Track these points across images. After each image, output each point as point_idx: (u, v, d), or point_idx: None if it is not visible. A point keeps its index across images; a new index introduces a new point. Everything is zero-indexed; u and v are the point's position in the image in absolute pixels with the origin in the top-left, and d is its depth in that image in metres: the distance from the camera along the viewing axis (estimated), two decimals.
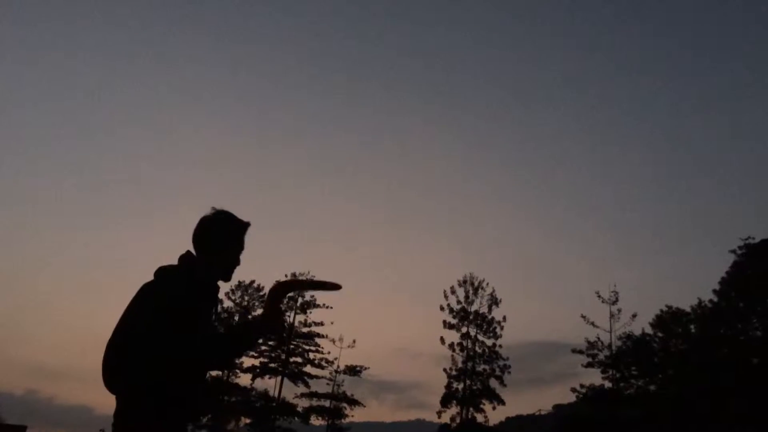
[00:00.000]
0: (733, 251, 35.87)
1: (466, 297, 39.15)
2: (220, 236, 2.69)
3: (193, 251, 2.68)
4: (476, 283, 39.52)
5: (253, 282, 40.22)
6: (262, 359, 38.27)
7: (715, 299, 35.62)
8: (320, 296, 39.24)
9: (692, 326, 36.16)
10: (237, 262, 2.78)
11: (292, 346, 38.71)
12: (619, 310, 35.62)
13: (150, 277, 2.57)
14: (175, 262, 2.64)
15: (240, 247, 2.77)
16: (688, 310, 36.47)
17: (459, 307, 38.87)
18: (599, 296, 35.73)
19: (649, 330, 36.60)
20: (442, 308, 38.89)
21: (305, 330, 38.96)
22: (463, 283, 39.60)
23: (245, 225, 2.78)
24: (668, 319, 36.27)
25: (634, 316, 35.52)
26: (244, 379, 38.65)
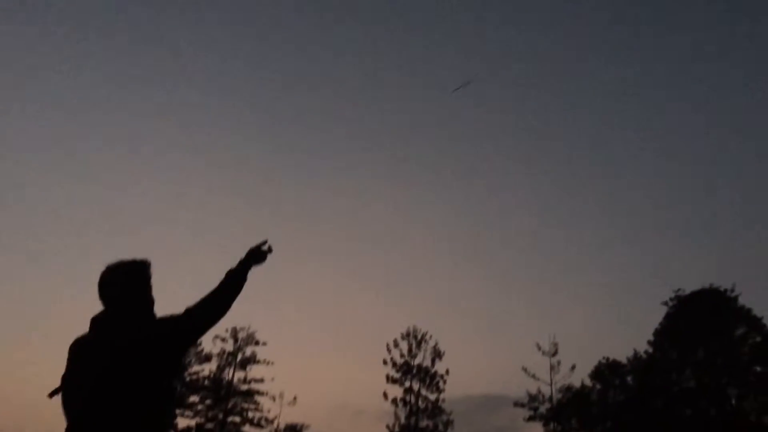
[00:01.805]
0: (665, 303, 37.14)
1: (409, 350, 38.97)
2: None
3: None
4: (419, 336, 39.45)
5: None
6: (198, 419, 36.85)
7: (650, 350, 36.57)
8: (261, 352, 38.44)
9: (629, 377, 36.89)
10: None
11: (230, 405, 37.49)
12: (559, 362, 36.26)
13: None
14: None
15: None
16: (625, 361, 37.25)
17: (402, 360, 38.63)
18: (539, 348, 36.36)
19: (588, 382, 37.17)
20: (385, 362, 38.57)
21: (244, 387, 37.89)
22: (406, 335, 39.47)
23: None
24: (606, 371, 36.94)
25: (574, 368, 36.22)
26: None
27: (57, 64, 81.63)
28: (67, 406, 2.56)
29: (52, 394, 2.59)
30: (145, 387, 2.54)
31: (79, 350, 2.64)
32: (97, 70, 79.82)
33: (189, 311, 2.82)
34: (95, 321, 2.70)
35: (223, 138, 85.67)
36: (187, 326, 2.81)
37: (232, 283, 2.99)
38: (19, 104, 79.88)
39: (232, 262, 3.09)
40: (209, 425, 37.09)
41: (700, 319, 35.11)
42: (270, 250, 3.17)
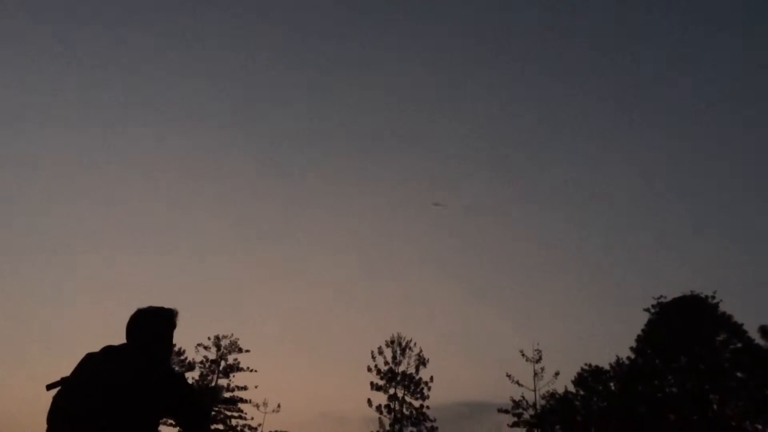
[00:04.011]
0: (647, 309, 37.35)
1: (394, 358, 38.95)
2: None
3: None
4: (404, 344, 39.44)
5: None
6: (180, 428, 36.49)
7: (633, 357, 36.72)
8: (244, 359, 38.27)
9: (612, 384, 37.01)
10: None
11: (213, 413, 37.21)
12: (543, 369, 36.38)
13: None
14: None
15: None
16: (608, 367, 37.39)
17: (387, 368, 38.57)
18: (523, 355, 36.47)
19: (571, 388, 37.25)
20: (369, 369, 38.54)
21: (228, 395, 37.64)
22: (390, 343, 39.46)
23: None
24: (589, 377, 37.05)
25: (557, 374, 36.37)
26: None
27: None
28: (55, 407, 2.71)
29: (50, 387, 2.75)
30: (133, 423, 2.67)
31: (91, 367, 2.80)
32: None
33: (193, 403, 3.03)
34: (113, 349, 2.90)
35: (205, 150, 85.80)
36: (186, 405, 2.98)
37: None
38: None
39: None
40: None
41: (682, 325, 35.33)
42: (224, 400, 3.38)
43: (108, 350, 2.89)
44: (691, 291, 36.89)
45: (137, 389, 2.71)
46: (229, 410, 37.60)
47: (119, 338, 3.02)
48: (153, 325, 3.03)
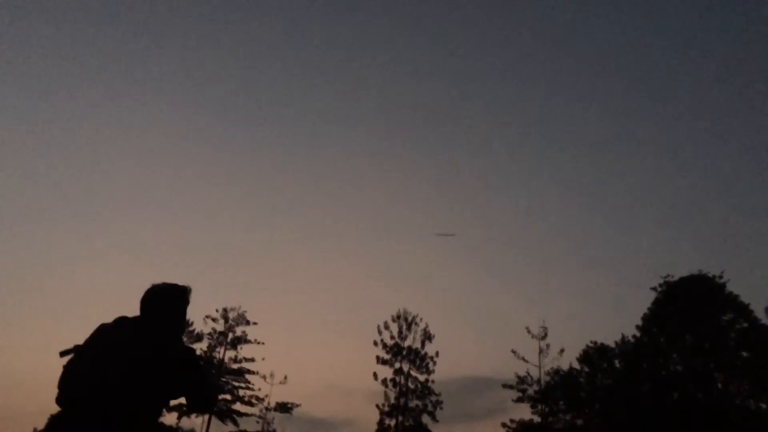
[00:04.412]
0: (654, 288, 37.36)
1: (400, 332, 39.21)
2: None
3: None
4: (410, 319, 39.68)
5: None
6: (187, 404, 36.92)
7: (638, 335, 36.82)
8: (251, 332, 38.63)
9: (617, 361, 37.18)
10: None
11: (221, 382, 37.66)
12: (548, 346, 36.63)
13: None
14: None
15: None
16: (613, 345, 37.53)
17: (392, 342, 38.86)
18: (529, 331, 36.68)
19: (576, 365, 37.47)
20: (375, 343, 38.82)
21: (235, 366, 38.07)
22: (396, 318, 39.70)
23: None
24: (594, 355, 37.22)
25: (562, 351, 36.63)
26: (170, 418, 37.26)
27: None
28: (70, 374, 2.77)
29: (63, 354, 2.81)
30: (150, 397, 2.78)
31: (107, 338, 2.85)
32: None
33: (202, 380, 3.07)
34: (129, 322, 2.95)
35: (218, 126, 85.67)
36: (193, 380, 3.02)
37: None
38: None
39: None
40: None
41: (688, 304, 35.35)
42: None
43: (123, 322, 2.94)
44: (699, 271, 36.88)
45: (157, 365, 2.79)
46: (237, 381, 38.08)
47: (126, 307, 3.08)
48: (168, 302, 3.08)
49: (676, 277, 37.12)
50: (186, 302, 3.17)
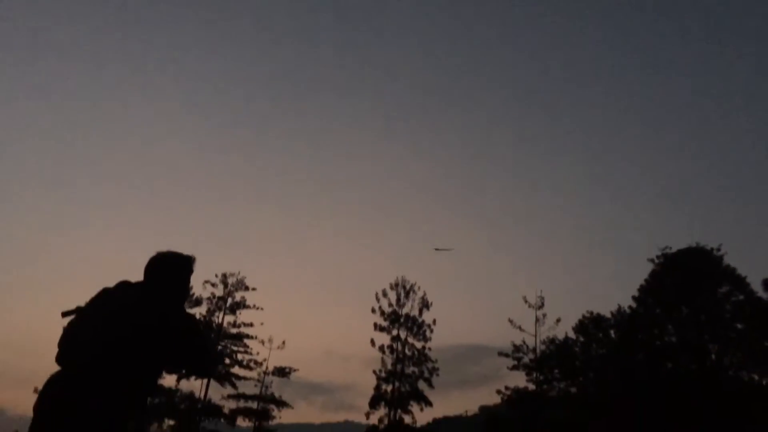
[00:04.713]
0: (652, 260, 37.49)
1: (398, 300, 39.44)
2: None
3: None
4: (408, 287, 39.88)
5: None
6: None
7: (634, 306, 37.06)
8: (250, 297, 38.89)
9: (612, 331, 37.49)
10: None
11: (219, 347, 38.07)
12: (545, 315, 36.88)
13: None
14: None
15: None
16: (609, 316, 37.80)
17: (390, 310, 39.11)
18: (526, 301, 36.92)
19: (571, 334, 37.78)
20: (373, 311, 39.07)
21: (234, 331, 38.43)
22: (394, 286, 39.90)
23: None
24: (590, 325, 37.50)
25: (558, 320, 36.89)
26: (169, 380, 37.77)
27: None
28: (71, 335, 2.81)
29: (65, 314, 2.87)
30: (151, 362, 2.84)
31: (110, 301, 2.89)
32: None
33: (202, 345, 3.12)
34: (132, 286, 3.00)
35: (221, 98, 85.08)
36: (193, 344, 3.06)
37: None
38: None
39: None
40: None
41: (685, 276, 35.51)
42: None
43: (126, 286, 2.99)
44: (697, 243, 36.94)
45: (160, 331, 2.84)
46: (236, 345, 38.47)
47: (129, 273, 3.14)
48: (173, 270, 3.15)
49: (674, 250, 37.25)
50: (190, 271, 3.23)
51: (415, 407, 37.15)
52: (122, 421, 2.73)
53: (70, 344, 2.78)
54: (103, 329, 2.75)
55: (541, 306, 36.90)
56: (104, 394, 2.66)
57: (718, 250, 36.28)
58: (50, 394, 2.70)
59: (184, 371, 3.18)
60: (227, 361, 38.04)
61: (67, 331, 2.82)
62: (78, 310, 2.87)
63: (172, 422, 37.06)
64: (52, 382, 2.74)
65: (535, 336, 36.77)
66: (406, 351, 38.13)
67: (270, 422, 38.32)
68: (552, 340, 36.90)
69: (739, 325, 34.30)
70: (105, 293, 2.94)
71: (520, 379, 38.08)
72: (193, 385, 37.27)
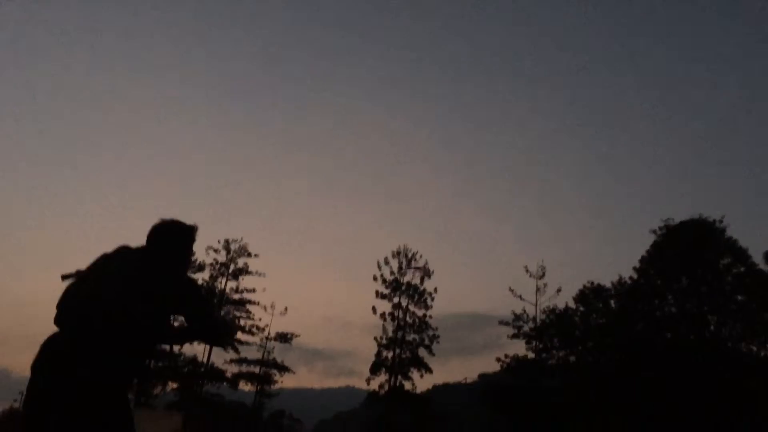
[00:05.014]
0: (654, 231, 37.49)
1: (400, 268, 39.60)
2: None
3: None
4: (409, 255, 39.99)
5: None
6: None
7: (635, 276, 37.18)
8: (253, 263, 39.06)
9: (612, 302, 37.68)
10: None
11: (222, 312, 38.41)
12: (545, 285, 37.04)
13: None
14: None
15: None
16: (609, 286, 37.95)
17: (392, 278, 39.29)
18: (527, 270, 37.03)
19: (572, 304, 37.98)
20: (375, 278, 39.22)
21: (236, 296, 38.72)
22: (396, 254, 40.01)
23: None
24: (590, 295, 37.68)
25: (559, 290, 37.04)
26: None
27: None
28: (69, 297, 2.82)
29: (65, 277, 2.87)
30: (148, 327, 2.82)
31: (108, 265, 2.89)
32: None
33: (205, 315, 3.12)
34: (133, 251, 3.00)
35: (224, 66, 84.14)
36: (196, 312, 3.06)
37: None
38: None
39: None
40: None
41: (686, 248, 35.52)
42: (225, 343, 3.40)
43: (125, 251, 3.00)
44: (699, 215, 36.89)
45: (160, 294, 2.85)
46: (238, 311, 38.82)
47: (128, 238, 3.10)
48: (175, 237, 3.15)
49: (677, 221, 37.22)
50: (192, 239, 3.24)
51: (415, 374, 37.56)
52: (116, 385, 2.75)
53: (66, 306, 2.81)
54: (97, 291, 2.76)
55: (542, 276, 37.05)
56: (97, 355, 2.66)
57: (721, 221, 36.25)
58: (45, 354, 2.74)
59: (196, 340, 3.20)
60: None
61: (66, 293, 2.85)
62: (78, 273, 2.89)
63: (175, 385, 37.63)
64: (48, 342, 2.77)
65: (536, 305, 37.01)
66: (408, 319, 38.43)
67: (272, 387, 38.92)
68: (552, 310, 37.11)
69: (739, 297, 34.44)
70: (105, 257, 2.96)
71: (519, 348, 38.52)
72: (196, 349, 37.75)
